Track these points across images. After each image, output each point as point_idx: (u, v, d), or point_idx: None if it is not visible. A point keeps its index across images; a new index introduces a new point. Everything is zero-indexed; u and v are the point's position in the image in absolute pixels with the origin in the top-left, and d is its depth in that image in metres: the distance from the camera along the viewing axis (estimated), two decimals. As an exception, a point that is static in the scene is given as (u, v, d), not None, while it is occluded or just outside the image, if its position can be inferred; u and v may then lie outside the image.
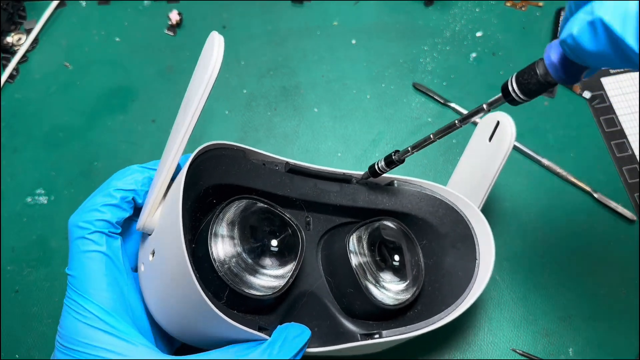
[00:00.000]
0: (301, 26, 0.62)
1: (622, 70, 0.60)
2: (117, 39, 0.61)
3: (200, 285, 0.30)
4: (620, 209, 0.53)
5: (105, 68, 0.60)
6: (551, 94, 0.59)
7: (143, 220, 0.35)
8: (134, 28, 0.62)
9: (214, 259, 0.34)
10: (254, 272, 0.35)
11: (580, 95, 0.59)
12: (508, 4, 0.64)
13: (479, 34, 0.62)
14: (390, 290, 0.40)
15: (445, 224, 0.43)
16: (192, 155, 0.35)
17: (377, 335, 0.38)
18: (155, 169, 0.37)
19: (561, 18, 0.61)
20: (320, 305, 0.39)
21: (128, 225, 0.38)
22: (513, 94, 0.30)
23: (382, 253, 0.41)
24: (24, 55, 0.60)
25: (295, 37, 0.62)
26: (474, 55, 0.61)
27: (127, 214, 0.36)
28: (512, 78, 0.30)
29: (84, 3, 0.63)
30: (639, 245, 0.52)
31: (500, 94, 0.31)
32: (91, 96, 0.58)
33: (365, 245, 0.41)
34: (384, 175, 0.41)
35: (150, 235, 0.36)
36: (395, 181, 0.44)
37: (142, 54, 0.60)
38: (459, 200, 0.43)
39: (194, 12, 0.63)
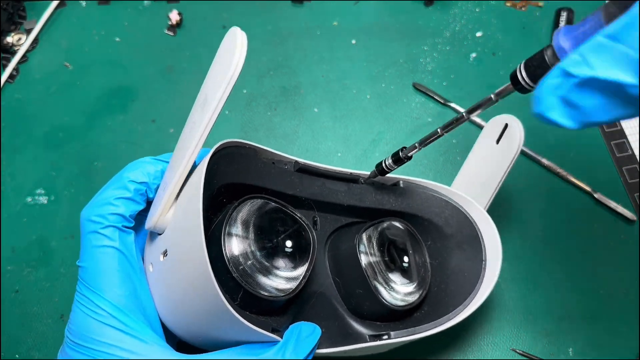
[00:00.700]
0: (301, 26, 0.62)
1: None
2: (117, 39, 0.61)
3: (221, 289, 0.29)
4: (620, 209, 0.53)
5: (105, 68, 0.60)
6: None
7: (155, 219, 0.33)
8: (134, 28, 0.62)
9: (228, 260, 0.33)
10: (268, 273, 0.34)
11: (580, 95, 0.59)
12: (508, 4, 0.64)
13: (479, 34, 0.62)
14: (399, 292, 0.40)
15: (450, 224, 0.43)
16: (210, 152, 0.34)
17: (385, 337, 0.37)
18: (168, 162, 0.36)
19: (561, 18, 0.61)
20: (328, 305, 0.39)
21: (139, 218, 0.37)
22: (522, 82, 0.29)
23: (391, 254, 0.41)
24: (24, 55, 0.60)
25: (295, 37, 0.62)
26: (474, 55, 0.61)
27: (140, 207, 0.35)
28: (520, 66, 0.29)
29: (84, 3, 0.63)
30: (639, 245, 0.52)
31: (508, 83, 0.30)
32: (91, 96, 0.58)
33: (375, 246, 0.40)
34: (390, 175, 0.41)
35: (160, 234, 0.35)
36: (401, 181, 0.43)
37: (142, 54, 0.60)
38: (465, 201, 0.43)
39: (194, 12, 0.63)
